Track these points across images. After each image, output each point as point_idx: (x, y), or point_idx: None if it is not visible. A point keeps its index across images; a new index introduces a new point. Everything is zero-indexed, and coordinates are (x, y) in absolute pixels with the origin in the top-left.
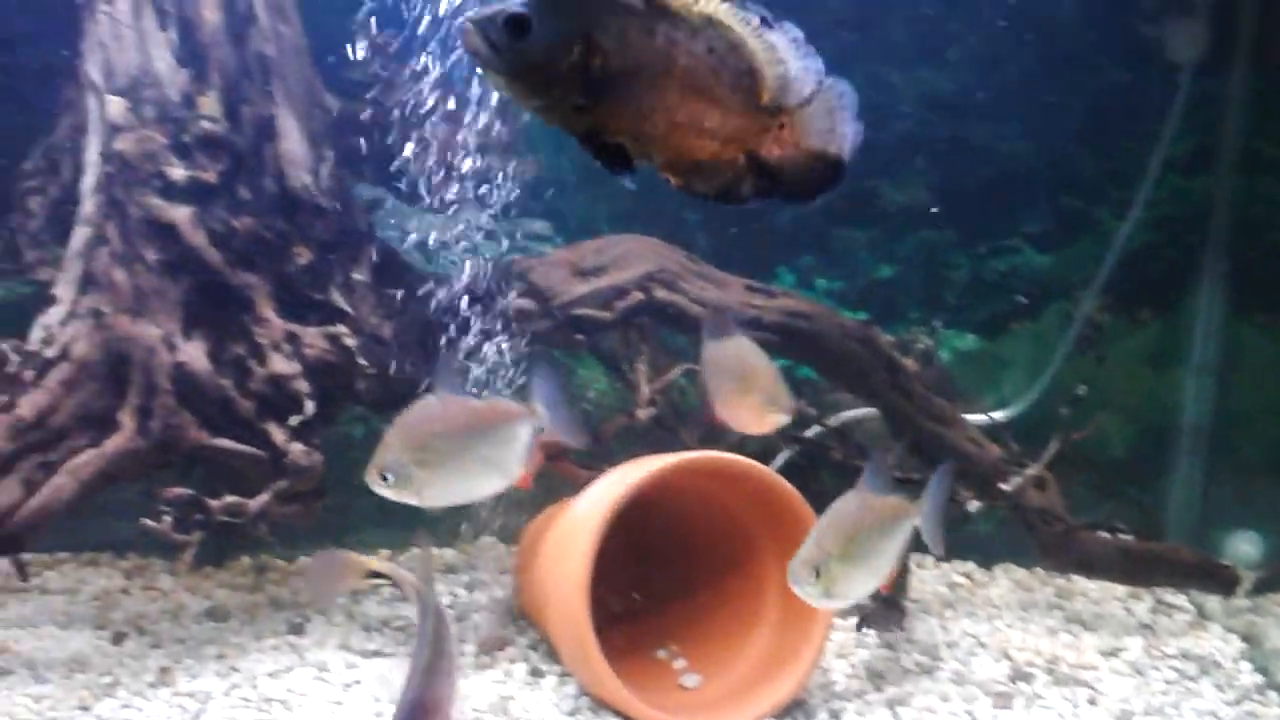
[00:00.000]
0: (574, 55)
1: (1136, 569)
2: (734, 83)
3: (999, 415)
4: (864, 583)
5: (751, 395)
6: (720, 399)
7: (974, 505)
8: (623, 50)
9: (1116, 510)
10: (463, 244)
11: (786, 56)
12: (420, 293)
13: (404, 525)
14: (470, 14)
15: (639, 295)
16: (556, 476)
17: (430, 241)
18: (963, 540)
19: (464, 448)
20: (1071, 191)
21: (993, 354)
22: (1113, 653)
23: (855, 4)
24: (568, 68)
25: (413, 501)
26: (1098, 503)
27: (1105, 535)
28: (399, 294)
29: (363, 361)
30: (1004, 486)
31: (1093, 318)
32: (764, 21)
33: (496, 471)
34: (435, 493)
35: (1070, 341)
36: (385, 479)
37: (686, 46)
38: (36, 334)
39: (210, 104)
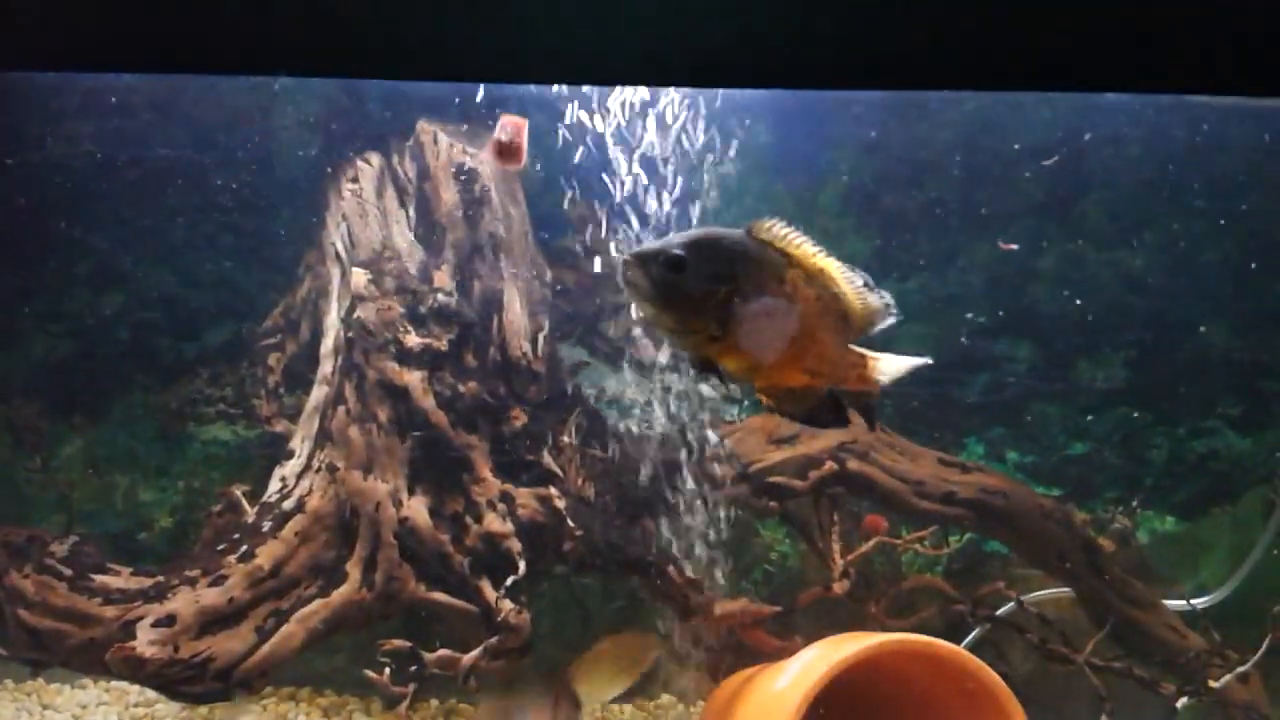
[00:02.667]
0: (720, 294)
1: None
2: (833, 326)
3: (1199, 602)
4: None
5: None
6: None
7: (1181, 702)
8: (758, 292)
9: None
10: (657, 405)
11: (874, 308)
12: (621, 454)
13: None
14: (632, 250)
15: (832, 465)
16: (745, 642)
17: (623, 400)
18: None
19: None
20: (1270, 375)
21: (1192, 537)
22: None
23: (1050, 186)
24: (713, 304)
25: None
26: None
27: None
28: (603, 455)
29: (570, 522)
30: (1213, 684)
31: None
32: (866, 284)
33: None
34: None
35: (1273, 528)
36: None
37: (803, 291)
38: (274, 485)
39: (444, 278)
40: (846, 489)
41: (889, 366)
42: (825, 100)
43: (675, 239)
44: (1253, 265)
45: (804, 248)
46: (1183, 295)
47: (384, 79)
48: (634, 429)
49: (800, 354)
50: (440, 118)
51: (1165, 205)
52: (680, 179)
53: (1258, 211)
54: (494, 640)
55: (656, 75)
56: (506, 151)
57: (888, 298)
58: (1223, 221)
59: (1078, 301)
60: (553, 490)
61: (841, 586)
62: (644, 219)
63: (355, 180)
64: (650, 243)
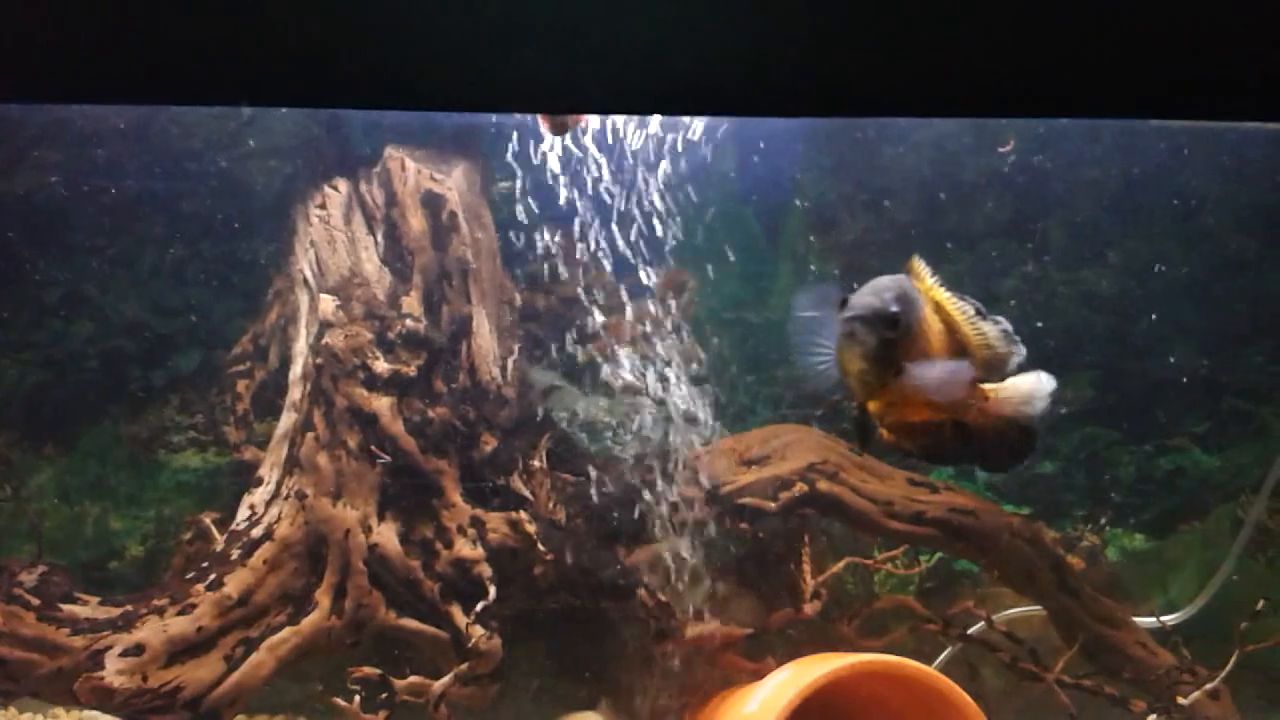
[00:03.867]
0: (900, 343)
1: None
2: (952, 357)
3: (1169, 619)
4: None
5: None
6: None
7: (1150, 718)
8: (920, 337)
9: None
10: (628, 429)
11: (994, 342)
12: (591, 478)
13: (562, 704)
14: (854, 311)
15: (803, 486)
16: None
17: (595, 424)
18: None
19: None
20: (1235, 393)
21: (1160, 555)
22: None
23: (1014, 209)
24: (899, 351)
25: None
26: (1266, 712)
27: None
28: (575, 479)
29: (541, 547)
30: (1182, 701)
31: (1262, 521)
32: (978, 312)
33: None
34: None
35: (1240, 544)
36: None
37: (936, 327)
38: (242, 512)
39: (412, 303)
40: (817, 510)
41: (1011, 394)
42: (788, 126)
43: (886, 292)
44: (1214, 284)
45: (929, 281)
46: (1146, 315)
47: (351, 108)
48: (605, 452)
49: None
50: (408, 144)
51: (1127, 226)
52: (645, 204)
53: (1218, 231)
54: (464, 666)
55: (623, 103)
56: (557, 120)
57: (1005, 324)
58: (1184, 241)
59: (1040, 324)
60: (523, 514)
61: (813, 608)
62: (612, 244)
63: (323, 207)
64: (862, 299)
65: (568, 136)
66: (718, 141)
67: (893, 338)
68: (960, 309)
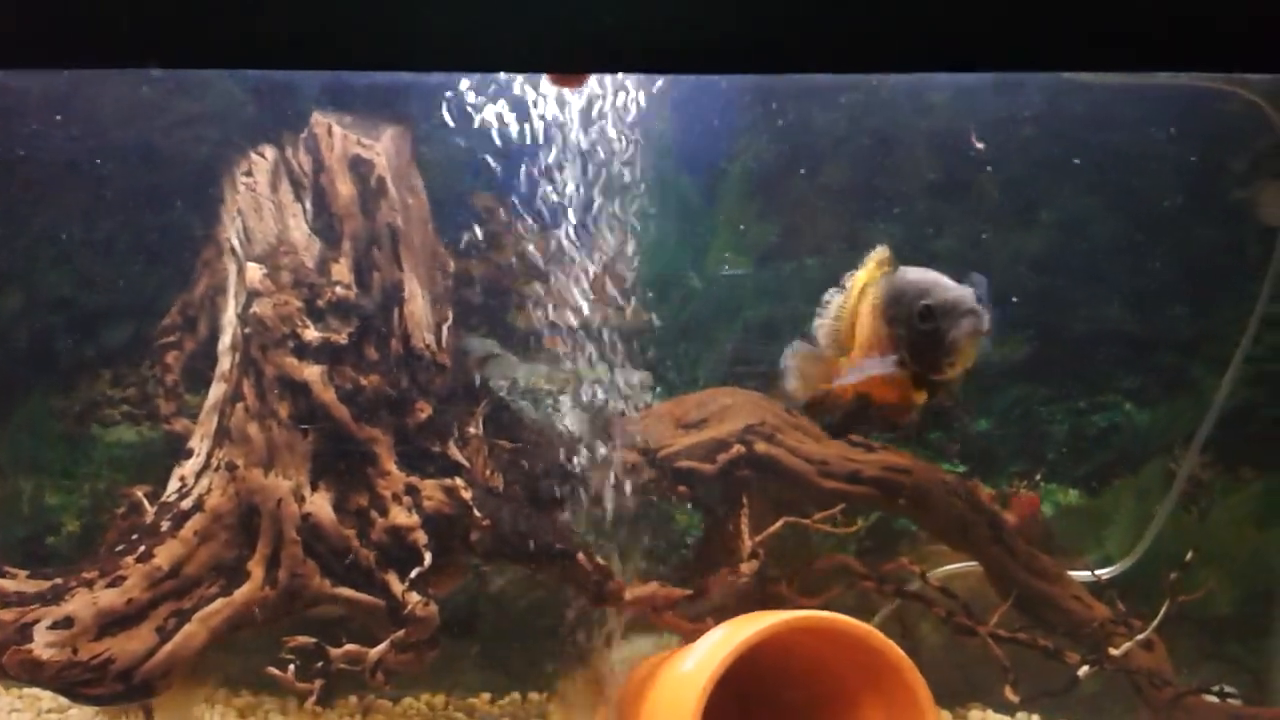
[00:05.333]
0: None
1: None
2: None
3: (1104, 573)
4: None
5: None
6: None
7: (1084, 670)
8: None
9: (1220, 670)
10: (568, 395)
11: None
12: (529, 444)
13: (503, 670)
14: (970, 304)
15: (739, 448)
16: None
17: (537, 392)
18: (1070, 700)
19: None
20: (1166, 348)
21: (1095, 509)
22: None
23: (947, 169)
24: None
25: None
26: (1201, 663)
27: (1214, 699)
28: (512, 445)
29: (477, 513)
30: (1114, 651)
31: (1194, 474)
32: None
33: None
34: None
35: (1173, 498)
36: None
37: None
38: (172, 484)
39: (342, 270)
40: (754, 471)
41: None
42: (722, 87)
43: (947, 279)
44: (1143, 242)
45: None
46: (1077, 273)
47: (276, 69)
48: (544, 418)
49: None
50: (335, 109)
51: (1058, 185)
52: (582, 168)
53: (1147, 188)
54: (401, 633)
55: (555, 62)
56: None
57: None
58: (1113, 199)
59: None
60: (459, 481)
61: (750, 568)
62: (550, 209)
63: (249, 174)
64: (960, 290)
65: (501, 101)
66: (653, 104)
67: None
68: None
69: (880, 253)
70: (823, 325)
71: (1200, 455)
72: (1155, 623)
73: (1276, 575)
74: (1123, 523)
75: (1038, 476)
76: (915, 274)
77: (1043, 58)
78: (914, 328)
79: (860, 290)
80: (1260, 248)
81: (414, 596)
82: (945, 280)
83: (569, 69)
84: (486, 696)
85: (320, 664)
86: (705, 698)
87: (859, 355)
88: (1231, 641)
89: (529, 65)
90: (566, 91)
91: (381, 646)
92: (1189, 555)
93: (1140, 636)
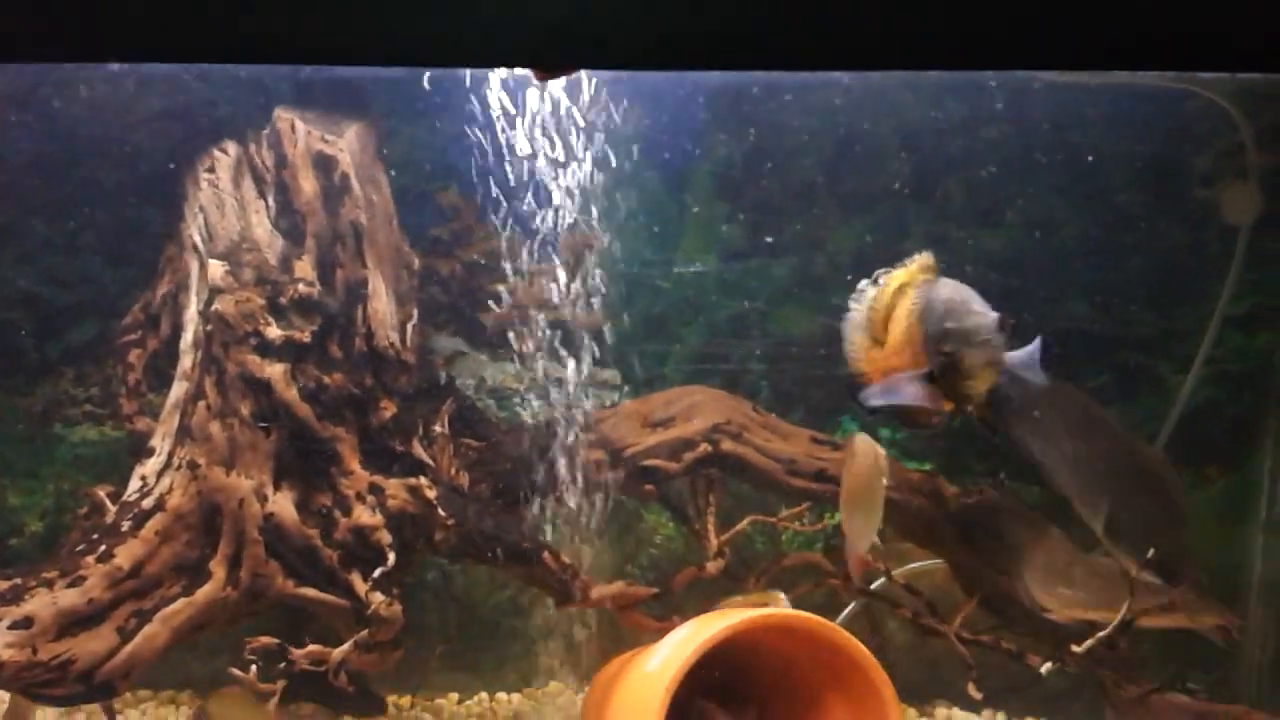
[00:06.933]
0: None
1: None
2: None
3: None
4: None
5: None
6: None
7: (1046, 667)
8: None
9: (1186, 668)
10: (535, 393)
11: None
12: (496, 443)
13: (470, 670)
14: (987, 332)
15: (706, 447)
16: (625, 626)
17: (504, 390)
18: (1036, 697)
19: None
20: (1131, 347)
21: (1061, 507)
22: None
23: (914, 170)
24: None
25: None
26: (1167, 660)
27: (1179, 696)
28: (478, 444)
29: (442, 512)
30: (1076, 649)
31: None
32: None
33: None
34: None
35: None
36: None
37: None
38: (134, 484)
39: (305, 268)
40: (721, 469)
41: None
42: (691, 86)
43: (973, 302)
44: (1109, 240)
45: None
46: (1043, 273)
47: (239, 63)
48: (511, 417)
49: None
50: (298, 105)
51: (1024, 184)
52: (550, 165)
53: (1111, 188)
54: (364, 633)
55: (520, 57)
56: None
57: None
58: (1079, 198)
59: None
60: (423, 480)
61: (716, 566)
62: (519, 210)
63: (212, 170)
64: (975, 316)
65: (470, 97)
66: (620, 102)
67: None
68: None
69: (925, 258)
70: (856, 313)
71: (1164, 454)
72: (1119, 619)
73: (1241, 573)
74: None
75: (1002, 474)
76: (949, 290)
77: (1006, 57)
78: (936, 348)
79: (899, 288)
80: (1222, 247)
81: (378, 596)
82: (974, 303)
83: (536, 65)
84: (454, 697)
85: (283, 664)
86: (669, 696)
87: (891, 355)
88: (1197, 639)
89: (498, 61)
90: (535, 88)
91: (345, 647)
92: (1149, 552)
93: (1102, 634)
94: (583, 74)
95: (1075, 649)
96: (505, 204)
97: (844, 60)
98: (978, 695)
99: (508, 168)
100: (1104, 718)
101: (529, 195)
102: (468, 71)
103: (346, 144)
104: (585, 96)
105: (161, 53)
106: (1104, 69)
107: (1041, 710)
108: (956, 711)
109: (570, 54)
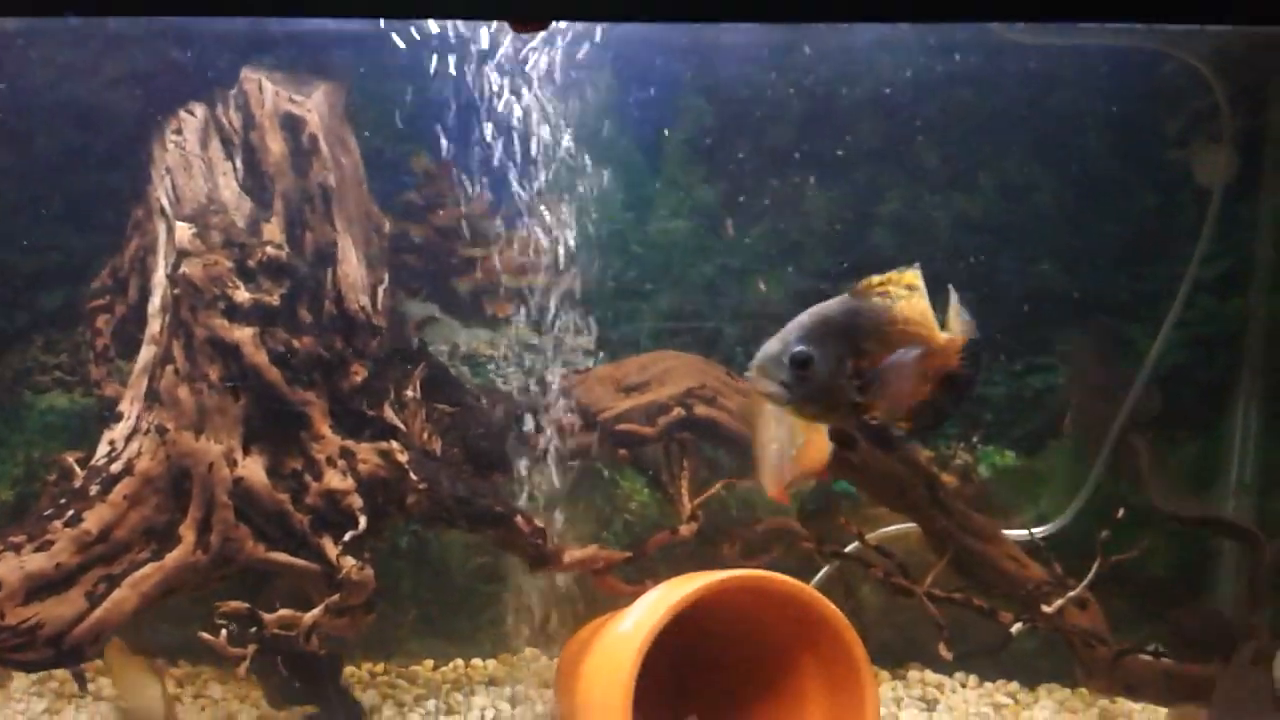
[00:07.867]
0: (848, 368)
1: (1180, 692)
2: (930, 325)
3: (1038, 532)
4: None
5: None
6: None
7: (1016, 627)
8: (885, 347)
9: (1157, 630)
10: (509, 358)
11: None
12: (468, 407)
13: (445, 637)
14: (757, 361)
15: (680, 411)
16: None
17: (477, 356)
18: (1007, 659)
19: None
20: (1104, 311)
21: (1031, 470)
22: None
23: (887, 134)
24: (848, 380)
25: None
26: (1138, 622)
27: (1149, 658)
28: (450, 409)
29: (414, 476)
30: (1046, 609)
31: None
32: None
33: None
34: None
35: (1105, 458)
36: None
37: (906, 312)
38: (102, 449)
39: (273, 230)
40: (694, 433)
41: (960, 328)
42: (666, 47)
43: (791, 333)
44: (1082, 204)
45: (891, 274)
46: (1017, 236)
47: (200, 15)
48: (484, 382)
49: (917, 372)
50: (266, 65)
51: (997, 150)
52: (523, 129)
53: (1084, 150)
54: (335, 597)
55: (496, 9)
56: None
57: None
58: (1053, 162)
59: (917, 248)
60: (394, 444)
61: (689, 530)
62: (490, 172)
63: (179, 132)
64: (769, 345)
65: (445, 57)
66: (594, 61)
67: (806, 376)
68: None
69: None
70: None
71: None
72: (1087, 580)
73: (1212, 537)
74: (1058, 483)
75: (975, 439)
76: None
77: (976, 8)
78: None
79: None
80: (1195, 210)
81: (349, 560)
82: (786, 331)
83: (512, 17)
84: (429, 663)
85: (254, 629)
86: (641, 657)
87: None
88: (1167, 601)
89: (473, 13)
90: (506, 48)
91: (315, 611)
92: (1119, 513)
93: (1072, 594)
94: (558, 28)
95: (1045, 609)
96: (478, 167)
97: (816, 12)
98: (948, 655)
99: (480, 129)
100: (1074, 679)
101: (502, 158)
102: (445, 26)
103: (315, 104)
104: (560, 54)
105: (119, 5)
106: (1074, 20)
107: (1014, 672)
108: (929, 674)
109: (546, 6)
